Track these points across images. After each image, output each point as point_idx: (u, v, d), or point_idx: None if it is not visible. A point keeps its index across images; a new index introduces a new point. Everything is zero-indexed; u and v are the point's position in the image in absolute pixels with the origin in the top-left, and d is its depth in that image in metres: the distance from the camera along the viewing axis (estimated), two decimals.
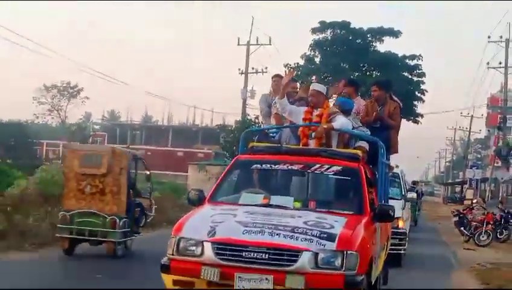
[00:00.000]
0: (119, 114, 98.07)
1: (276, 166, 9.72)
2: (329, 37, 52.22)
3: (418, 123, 52.26)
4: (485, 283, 15.74)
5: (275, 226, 8.11)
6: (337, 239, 7.96)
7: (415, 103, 50.81)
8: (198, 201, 9.40)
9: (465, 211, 30.21)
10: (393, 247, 14.73)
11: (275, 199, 9.19)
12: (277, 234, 7.97)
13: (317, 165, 9.54)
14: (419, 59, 50.60)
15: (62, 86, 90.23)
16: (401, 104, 12.55)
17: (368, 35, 51.81)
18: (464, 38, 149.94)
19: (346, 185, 9.74)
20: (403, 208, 18.63)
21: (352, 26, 51.65)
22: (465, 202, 51.80)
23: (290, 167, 9.63)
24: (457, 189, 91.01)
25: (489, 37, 55.01)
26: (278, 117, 11.19)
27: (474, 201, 33.47)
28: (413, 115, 50.97)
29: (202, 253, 8.00)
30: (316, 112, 10.29)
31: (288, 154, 9.88)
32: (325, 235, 8.00)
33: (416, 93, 50.67)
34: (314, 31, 52.21)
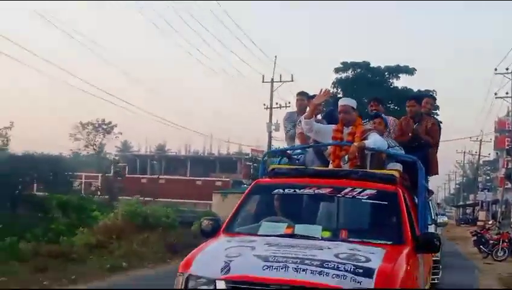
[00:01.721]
0: (131, 144, 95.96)
1: (301, 190, 7.82)
2: (350, 76, 53.85)
3: None
4: (508, 286, 18.14)
5: (300, 260, 6.21)
6: (375, 275, 6.06)
7: None
8: (213, 232, 7.52)
9: (482, 231, 31.51)
10: None
11: (300, 228, 7.26)
12: (303, 270, 6.07)
13: (348, 189, 7.64)
14: (433, 93, 50.28)
15: (97, 122, 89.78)
16: (438, 119, 10.48)
17: (386, 73, 53.68)
18: (473, 71, 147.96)
19: (383, 211, 7.77)
20: None
21: (371, 65, 53.97)
22: (478, 223, 51.73)
23: (316, 191, 7.72)
24: (468, 211, 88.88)
25: (495, 69, 54.01)
26: (303, 137, 9.31)
27: (490, 222, 37.23)
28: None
29: None
30: (347, 130, 8.54)
31: (315, 177, 8.02)
32: (361, 271, 6.10)
33: None
34: (337, 70, 54.09)
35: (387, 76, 53.64)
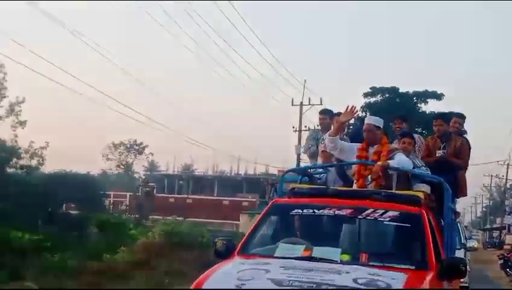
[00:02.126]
0: (158, 163, 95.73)
1: (320, 211, 7.30)
2: (379, 100, 53.71)
3: None
4: None
5: (316, 285, 5.72)
6: None
7: None
8: (227, 253, 7.04)
9: (509, 255, 30.88)
10: None
11: (318, 251, 6.75)
12: None
13: (370, 210, 7.12)
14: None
15: (129, 143, 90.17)
16: (467, 139, 9.88)
17: (414, 98, 53.45)
18: (500, 98, 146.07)
19: (406, 234, 7.23)
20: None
21: (400, 90, 53.78)
22: (505, 247, 50.32)
23: (336, 213, 7.20)
24: (495, 234, 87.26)
25: None
26: (326, 155, 8.80)
27: None
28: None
29: None
30: (372, 149, 8.11)
31: (336, 197, 7.50)
32: None
33: None
34: (366, 95, 54.00)
35: (415, 101, 53.41)
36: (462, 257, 13.37)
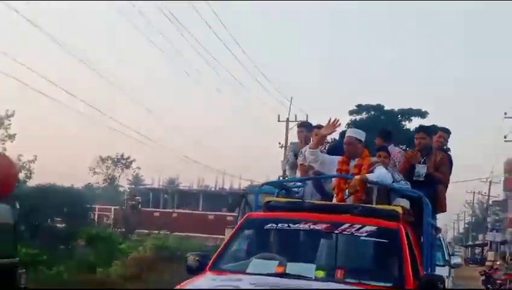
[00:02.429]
0: (142, 177, 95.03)
1: (296, 225, 6.92)
2: (364, 118, 53.92)
3: None
4: None
5: None
6: None
7: None
8: (199, 269, 6.60)
9: (490, 271, 31.69)
10: None
11: (292, 267, 6.40)
12: None
13: (347, 225, 6.77)
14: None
15: (116, 157, 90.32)
16: (450, 155, 9.53)
17: (399, 116, 53.72)
18: (482, 116, 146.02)
19: (383, 250, 6.89)
20: (448, 277, 13.45)
21: (385, 108, 53.99)
22: (487, 263, 49.93)
23: (312, 227, 6.83)
24: (477, 250, 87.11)
25: (505, 113, 53.35)
26: (304, 169, 8.43)
27: (498, 263, 38.30)
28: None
29: None
30: (353, 163, 7.76)
31: (312, 212, 7.11)
32: None
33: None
34: (351, 112, 54.13)
35: (400, 118, 53.65)
36: (445, 273, 12.97)
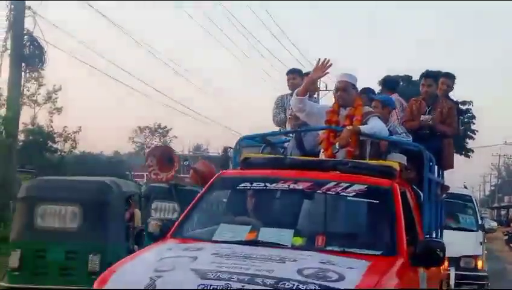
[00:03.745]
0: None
1: (273, 185, 5.79)
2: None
3: (469, 157, 51.90)
4: None
5: (249, 278, 4.32)
6: None
7: (466, 140, 50.76)
8: (161, 235, 5.57)
9: None
10: None
11: (266, 233, 5.31)
12: None
13: (332, 184, 5.63)
14: (469, 104, 49.67)
15: (154, 127, 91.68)
16: (459, 104, 8.28)
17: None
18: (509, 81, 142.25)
19: (373, 212, 5.75)
20: (482, 243, 11.71)
21: (413, 78, 50.81)
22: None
23: (292, 186, 5.69)
24: (503, 212, 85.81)
25: None
26: (296, 121, 7.18)
27: None
28: (464, 150, 50.64)
29: None
30: (344, 112, 6.47)
31: (294, 169, 6.00)
32: None
33: (468, 133, 50.70)
34: (379, 83, 52.44)
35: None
36: (479, 239, 11.39)
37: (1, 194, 17.18)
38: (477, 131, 50.92)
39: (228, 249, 4.98)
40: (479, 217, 12.70)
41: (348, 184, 5.59)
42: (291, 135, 7.23)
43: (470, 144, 51.58)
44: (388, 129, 6.69)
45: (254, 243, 5.17)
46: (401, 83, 52.08)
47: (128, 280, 4.51)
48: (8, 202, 16.99)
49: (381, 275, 4.59)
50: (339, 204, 5.75)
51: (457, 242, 9.79)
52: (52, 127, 33.99)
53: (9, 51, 16.79)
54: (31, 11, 16.45)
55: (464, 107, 48.88)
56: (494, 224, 13.84)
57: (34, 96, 36.50)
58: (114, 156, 62.42)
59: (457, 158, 48.34)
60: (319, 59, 6.49)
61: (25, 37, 16.77)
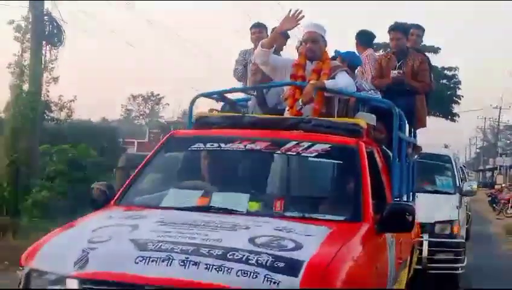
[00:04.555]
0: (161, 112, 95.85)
1: (228, 145, 5.23)
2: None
3: (455, 122, 50.53)
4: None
5: (194, 248, 3.79)
6: (303, 270, 3.64)
7: (452, 105, 49.72)
8: (105, 202, 5.01)
9: (495, 193, 35.15)
10: (446, 265, 9.24)
11: (219, 199, 4.80)
12: (194, 264, 3.66)
13: (292, 143, 5.09)
14: (455, 70, 49.32)
15: (147, 94, 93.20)
16: (428, 58, 7.72)
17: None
18: (494, 46, 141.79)
19: (337, 174, 5.27)
20: (459, 207, 10.41)
21: None
22: (496, 187, 50.62)
23: (248, 147, 5.13)
24: (488, 174, 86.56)
25: None
26: (256, 78, 6.57)
27: (503, 185, 41.53)
28: (450, 115, 49.73)
29: None
30: (311, 66, 5.89)
31: (253, 128, 5.44)
32: (282, 264, 3.68)
33: (454, 98, 49.66)
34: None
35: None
36: (455, 203, 10.35)
37: (27, 167, 17.49)
38: (462, 96, 50.13)
39: (175, 216, 4.44)
40: (457, 179, 11.47)
41: (309, 143, 5.04)
42: (252, 91, 6.64)
43: (455, 108, 50.47)
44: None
45: (205, 209, 4.64)
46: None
47: (58, 253, 3.97)
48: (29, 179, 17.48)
49: (342, 242, 4.07)
50: (299, 165, 5.22)
51: (432, 206, 9.14)
52: (48, 96, 34.66)
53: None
54: None
55: (450, 73, 48.94)
56: (474, 186, 11.81)
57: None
58: (102, 123, 62.98)
59: (443, 122, 45.66)
60: (290, 10, 5.87)
61: (45, 17, 17.71)
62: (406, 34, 7.40)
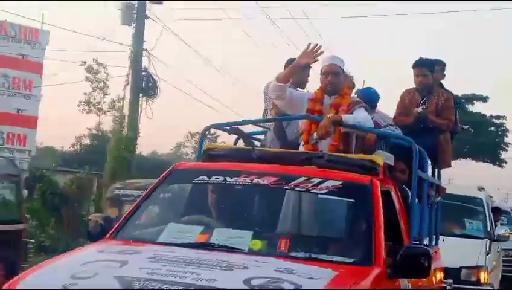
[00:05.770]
0: None
1: (234, 179, 4.83)
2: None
3: (502, 167, 52.62)
4: None
5: (184, 288, 3.46)
6: None
7: (500, 152, 52.24)
8: (102, 235, 4.64)
9: None
10: None
11: (220, 235, 4.41)
12: None
13: (302, 179, 4.68)
14: (503, 118, 52.03)
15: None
16: (454, 96, 7.24)
17: (463, 100, 51.37)
18: None
19: (348, 213, 4.83)
20: (488, 253, 9.66)
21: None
22: None
23: (255, 181, 4.74)
24: None
25: None
26: (278, 111, 6.18)
27: None
28: (498, 161, 52.42)
29: None
30: (329, 101, 5.52)
31: (262, 162, 5.06)
32: None
33: (502, 145, 52.31)
34: None
35: (463, 101, 52.96)
36: (483, 249, 9.58)
37: None
38: (510, 143, 51.80)
39: (170, 252, 4.06)
40: (489, 223, 10.69)
41: (320, 179, 4.65)
42: (267, 125, 6.28)
43: (503, 155, 52.57)
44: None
45: (205, 246, 4.26)
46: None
47: (38, 287, 3.64)
48: None
49: (347, 287, 3.66)
50: (308, 202, 4.80)
51: (458, 251, 8.61)
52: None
53: (130, 84, 20.15)
54: (146, 52, 19.88)
55: (497, 121, 51.77)
56: (507, 230, 11.06)
57: (99, 105, 40.49)
58: (152, 156, 63.72)
59: (491, 168, 48.78)
60: (309, 44, 5.52)
61: (143, 73, 19.98)
62: (431, 70, 6.95)
